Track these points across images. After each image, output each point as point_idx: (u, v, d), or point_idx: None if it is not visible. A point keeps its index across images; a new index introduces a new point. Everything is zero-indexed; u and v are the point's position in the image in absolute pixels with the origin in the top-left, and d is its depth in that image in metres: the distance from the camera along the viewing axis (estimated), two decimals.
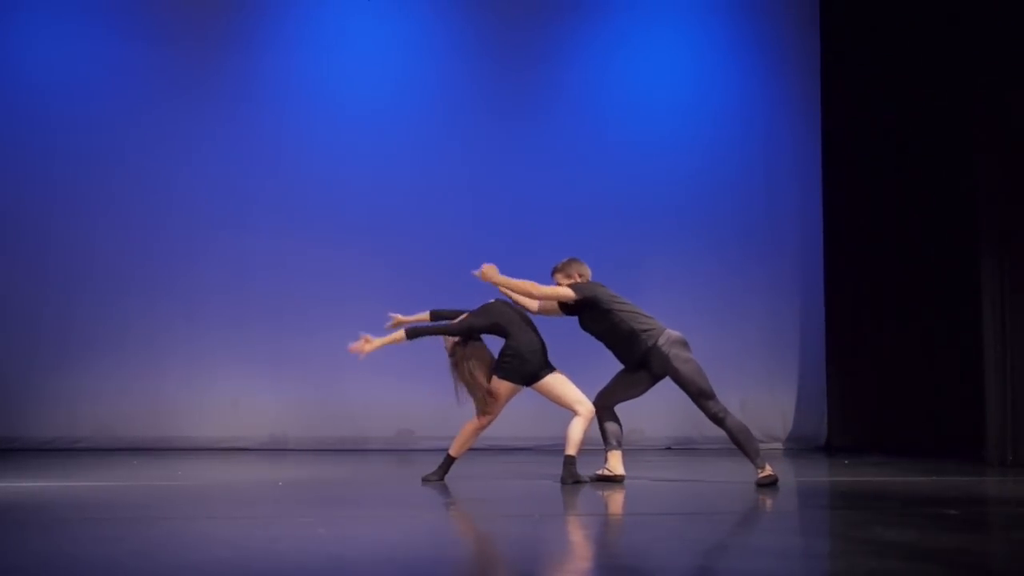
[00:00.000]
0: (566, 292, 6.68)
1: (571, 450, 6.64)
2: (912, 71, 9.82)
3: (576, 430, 6.65)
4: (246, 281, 9.69)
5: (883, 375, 9.99)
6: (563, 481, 6.58)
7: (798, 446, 10.18)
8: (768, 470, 6.47)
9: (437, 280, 9.84)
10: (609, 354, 6.89)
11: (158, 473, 7.34)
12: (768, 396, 10.20)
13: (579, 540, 4.59)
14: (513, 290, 6.83)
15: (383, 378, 9.61)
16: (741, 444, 6.51)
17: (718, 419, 6.52)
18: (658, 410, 9.91)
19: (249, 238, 9.70)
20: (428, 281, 9.82)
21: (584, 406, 6.69)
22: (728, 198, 10.32)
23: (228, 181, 9.74)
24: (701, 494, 6.52)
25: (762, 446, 9.98)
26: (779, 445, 10.19)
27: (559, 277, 6.88)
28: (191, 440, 9.42)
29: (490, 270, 6.77)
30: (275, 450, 9.43)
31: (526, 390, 6.77)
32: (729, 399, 10.21)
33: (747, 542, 4.62)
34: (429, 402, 9.71)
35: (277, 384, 9.59)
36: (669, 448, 9.96)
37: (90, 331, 9.44)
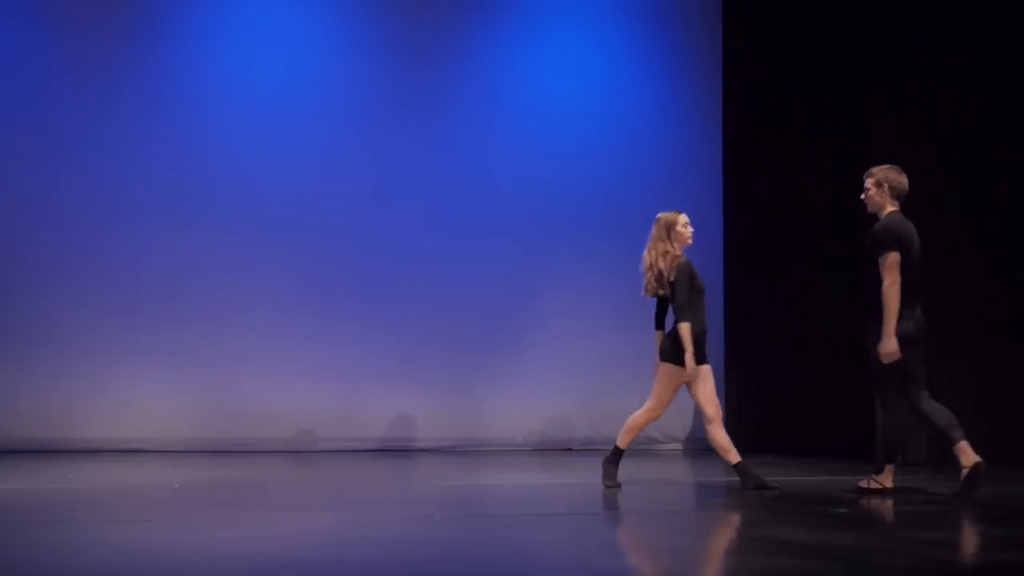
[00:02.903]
0: (883, 265, 6.04)
1: (733, 457, 6.46)
2: (811, 78, 10.04)
3: (719, 435, 6.50)
4: (142, 278, 9.48)
5: (778, 378, 10.21)
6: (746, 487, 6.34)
7: (697, 447, 10.34)
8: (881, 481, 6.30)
9: (340, 274, 9.78)
10: None
11: (50, 476, 7.15)
12: None
13: (474, 541, 4.60)
14: (892, 315, 6.06)
15: (283, 378, 9.51)
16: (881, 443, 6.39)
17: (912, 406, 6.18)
18: (560, 410, 10.03)
19: (145, 234, 9.50)
20: (330, 276, 9.75)
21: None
22: (631, 202, 10.40)
23: (124, 173, 9.52)
24: (601, 494, 6.58)
25: (662, 447, 10.28)
26: (678, 446, 10.35)
27: (870, 183, 6.29)
28: (84, 441, 9.18)
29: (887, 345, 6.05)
30: (171, 451, 9.25)
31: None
32: (630, 400, 10.40)
33: (645, 542, 4.68)
34: (331, 402, 9.64)
35: (174, 384, 9.41)
36: (570, 449, 10.04)
37: None
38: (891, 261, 6.05)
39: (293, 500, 6.19)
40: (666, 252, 6.51)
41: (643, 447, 10.18)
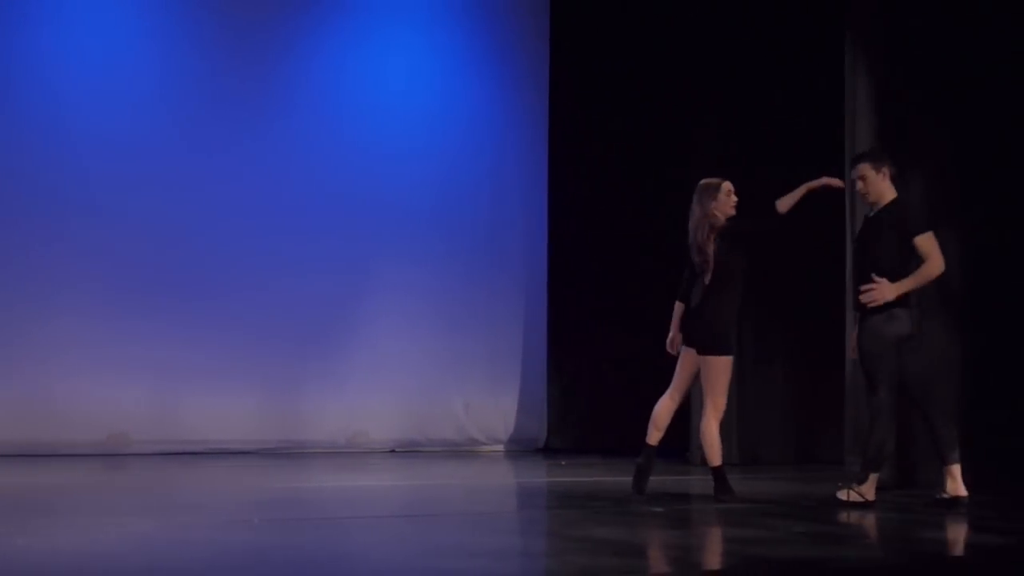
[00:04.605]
0: (930, 244, 5.57)
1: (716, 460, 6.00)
2: (637, 80, 10.26)
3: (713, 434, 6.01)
4: None
5: (600, 380, 10.41)
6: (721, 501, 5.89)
7: (519, 448, 10.46)
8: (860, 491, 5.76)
9: (159, 269, 9.42)
10: None
11: None
12: (491, 399, 10.44)
13: (295, 545, 4.52)
14: (922, 283, 5.68)
15: (95, 376, 9.09)
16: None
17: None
18: (383, 412, 9.97)
19: None
20: (148, 271, 9.39)
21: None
22: (457, 205, 10.46)
23: None
24: (423, 496, 6.58)
25: (484, 448, 10.35)
26: (500, 447, 10.44)
27: (864, 169, 5.75)
28: None
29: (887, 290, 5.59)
30: None
31: None
32: (452, 401, 10.48)
33: (466, 543, 4.69)
34: (146, 403, 9.28)
35: None
36: (393, 451, 10.00)
37: None
38: (934, 241, 5.59)
39: (103, 505, 5.94)
40: (704, 222, 5.89)
41: (464, 448, 10.24)
